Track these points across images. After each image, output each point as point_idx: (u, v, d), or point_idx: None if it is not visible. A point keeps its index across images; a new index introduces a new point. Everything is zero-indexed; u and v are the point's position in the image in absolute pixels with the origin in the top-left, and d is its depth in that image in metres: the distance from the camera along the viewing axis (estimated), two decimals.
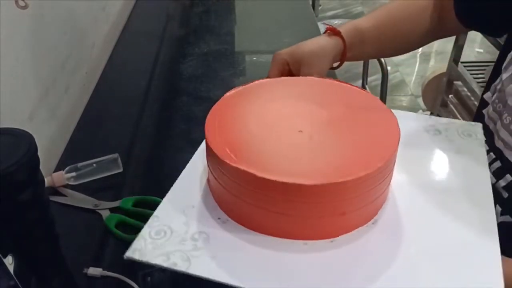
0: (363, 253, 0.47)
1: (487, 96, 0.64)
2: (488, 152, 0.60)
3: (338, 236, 0.48)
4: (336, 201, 0.46)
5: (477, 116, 0.67)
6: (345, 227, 0.49)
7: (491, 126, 0.61)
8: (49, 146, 0.86)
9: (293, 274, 0.45)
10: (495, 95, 0.61)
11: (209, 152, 0.50)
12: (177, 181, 0.56)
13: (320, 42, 0.65)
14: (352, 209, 0.48)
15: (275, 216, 0.47)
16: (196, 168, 0.57)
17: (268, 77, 0.63)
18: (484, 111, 0.63)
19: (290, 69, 0.65)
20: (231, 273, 0.44)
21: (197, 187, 0.55)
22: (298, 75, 0.63)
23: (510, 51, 0.59)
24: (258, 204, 0.47)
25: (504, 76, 0.58)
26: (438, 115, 2.18)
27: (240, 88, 0.59)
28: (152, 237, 0.48)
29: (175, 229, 0.49)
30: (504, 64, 0.59)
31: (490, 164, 0.60)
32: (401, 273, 0.45)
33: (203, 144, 0.58)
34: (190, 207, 0.51)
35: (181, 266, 0.45)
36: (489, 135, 0.61)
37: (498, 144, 0.59)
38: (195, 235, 0.48)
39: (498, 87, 0.60)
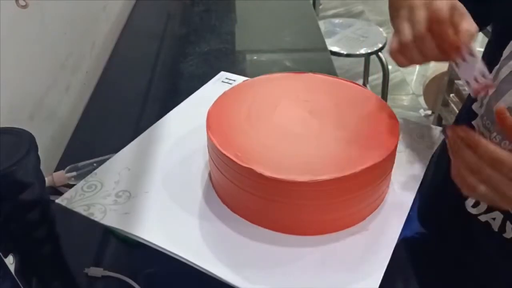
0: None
1: (475, 106, 0.61)
2: None
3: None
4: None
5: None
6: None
7: None
8: (49, 145, 0.86)
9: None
10: (482, 108, 0.59)
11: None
12: (126, 147, 0.62)
13: None
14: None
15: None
16: (145, 139, 0.64)
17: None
18: (474, 123, 0.61)
19: None
20: (138, 228, 0.50)
21: (140, 153, 0.61)
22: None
23: (496, 63, 0.56)
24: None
25: (490, 91, 0.55)
26: (439, 115, 2.18)
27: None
28: (84, 190, 0.54)
29: (105, 185, 0.55)
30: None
31: None
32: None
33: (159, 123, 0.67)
34: (125, 169, 0.58)
35: (96, 216, 0.51)
36: None
37: None
38: (119, 193, 0.54)
39: (485, 101, 0.58)
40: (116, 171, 0.57)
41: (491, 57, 0.58)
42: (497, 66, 0.56)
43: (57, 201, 0.53)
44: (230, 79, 0.78)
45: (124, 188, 0.55)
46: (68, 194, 0.54)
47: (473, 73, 0.47)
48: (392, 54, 0.49)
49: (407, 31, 0.47)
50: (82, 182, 0.55)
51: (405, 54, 0.47)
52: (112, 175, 0.57)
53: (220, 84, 0.76)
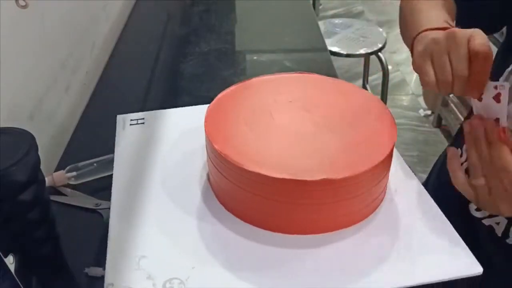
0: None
1: None
2: None
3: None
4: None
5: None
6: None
7: None
8: (49, 145, 0.86)
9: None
10: None
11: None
12: (110, 231, 0.49)
13: None
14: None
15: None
16: (122, 209, 0.52)
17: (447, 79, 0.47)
18: None
19: None
20: None
21: (135, 231, 0.49)
22: None
23: (506, 65, 0.56)
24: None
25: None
26: (439, 115, 2.18)
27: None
28: None
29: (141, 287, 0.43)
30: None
31: None
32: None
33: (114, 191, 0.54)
34: (142, 257, 0.46)
35: None
36: None
37: None
38: (166, 284, 0.43)
39: None
40: (132, 268, 0.45)
41: (504, 58, 0.57)
42: (509, 68, 0.55)
43: None
44: (137, 119, 0.67)
45: (166, 277, 0.44)
46: None
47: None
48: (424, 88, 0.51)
49: (431, 77, 0.48)
50: None
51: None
52: (136, 275, 0.44)
53: (130, 128, 0.66)
